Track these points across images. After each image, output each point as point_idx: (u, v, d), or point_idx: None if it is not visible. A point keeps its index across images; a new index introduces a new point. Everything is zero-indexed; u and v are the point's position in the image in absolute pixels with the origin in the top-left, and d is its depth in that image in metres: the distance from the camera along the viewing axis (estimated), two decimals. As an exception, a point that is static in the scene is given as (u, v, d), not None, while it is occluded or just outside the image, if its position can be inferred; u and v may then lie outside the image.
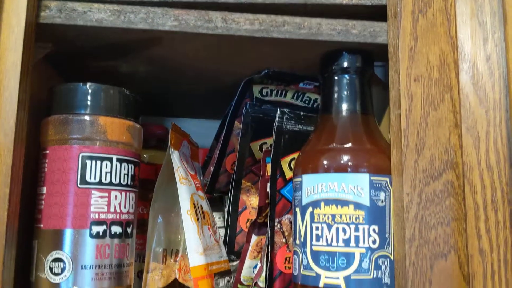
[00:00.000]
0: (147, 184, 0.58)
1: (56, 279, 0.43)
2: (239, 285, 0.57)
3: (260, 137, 0.60)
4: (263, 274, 0.53)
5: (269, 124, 0.55)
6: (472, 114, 0.43)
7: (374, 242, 0.44)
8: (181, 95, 0.71)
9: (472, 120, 0.43)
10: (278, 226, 0.52)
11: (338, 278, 0.43)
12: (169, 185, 0.57)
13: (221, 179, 0.65)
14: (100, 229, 0.45)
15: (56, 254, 0.44)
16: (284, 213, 0.52)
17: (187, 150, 0.62)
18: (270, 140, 0.55)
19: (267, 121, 0.57)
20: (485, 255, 0.41)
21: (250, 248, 0.57)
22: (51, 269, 0.44)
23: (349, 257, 0.43)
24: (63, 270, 0.43)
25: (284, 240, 0.52)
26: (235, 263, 0.60)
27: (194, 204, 0.56)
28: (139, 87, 0.51)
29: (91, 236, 0.44)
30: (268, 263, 0.51)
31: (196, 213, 0.56)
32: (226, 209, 0.65)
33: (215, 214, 0.67)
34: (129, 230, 0.47)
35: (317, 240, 0.45)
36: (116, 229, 0.46)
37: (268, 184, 0.52)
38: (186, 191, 0.55)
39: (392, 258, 0.44)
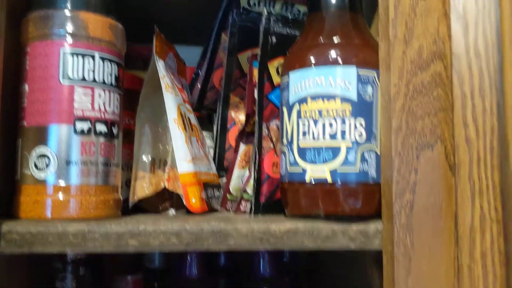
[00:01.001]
0: (133, 95, 0.57)
1: (41, 175, 0.43)
2: (228, 195, 0.57)
3: (247, 48, 0.59)
4: (252, 181, 0.53)
5: (257, 33, 0.54)
6: (462, 3, 0.42)
7: (360, 135, 0.43)
8: (164, 13, 0.69)
9: (461, 9, 0.42)
10: (266, 131, 0.52)
11: (324, 171, 0.43)
12: (155, 96, 0.56)
13: (209, 96, 0.64)
14: (85, 126, 0.44)
15: (41, 150, 0.43)
16: (271, 119, 0.52)
17: (173, 64, 0.61)
18: (258, 51, 0.54)
19: (255, 30, 0.56)
20: (471, 144, 0.41)
21: (238, 158, 0.57)
22: (35, 165, 0.43)
23: (335, 151, 0.43)
24: (48, 165, 0.43)
25: (271, 145, 0.52)
26: (224, 179, 0.60)
27: (181, 114, 0.55)
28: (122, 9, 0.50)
29: (76, 132, 0.44)
30: (256, 166, 0.51)
31: (184, 122, 0.55)
32: (215, 127, 0.65)
33: (204, 133, 0.66)
34: (114, 130, 0.47)
35: (304, 136, 0.44)
36: (101, 127, 0.45)
37: (255, 90, 0.52)
38: (172, 100, 0.54)
39: (378, 152, 0.44)
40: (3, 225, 0.40)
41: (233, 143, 0.62)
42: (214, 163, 0.61)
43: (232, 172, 0.57)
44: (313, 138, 0.44)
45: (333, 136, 0.43)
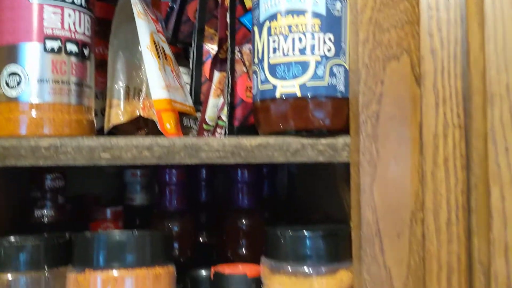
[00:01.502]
0: (107, 24, 0.57)
1: (13, 93, 0.43)
2: (204, 126, 0.58)
3: (221, -24, 0.58)
4: (226, 107, 0.53)
5: (230, -40, 0.54)
6: None
7: (329, 50, 0.44)
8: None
9: None
10: (239, 55, 0.52)
11: (293, 86, 0.44)
12: (128, 25, 0.56)
13: (184, 29, 0.64)
14: (55, 44, 0.44)
15: (11, 68, 0.43)
16: (244, 42, 0.52)
17: (147, -6, 0.61)
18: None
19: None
20: (436, 54, 0.42)
21: (213, 86, 0.57)
22: (7, 83, 0.43)
23: (305, 65, 0.44)
24: (19, 83, 0.43)
25: (244, 69, 0.52)
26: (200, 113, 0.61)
27: (154, 42, 0.55)
28: None
29: (46, 50, 0.44)
30: (229, 90, 0.51)
31: (157, 50, 0.55)
32: (191, 61, 0.65)
33: (181, 70, 0.67)
34: (86, 51, 0.47)
35: (274, 52, 0.45)
36: (72, 47, 0.45)
37: (227, 13, 0.52)
38: (145, 27, 0.54)
39: (347, 67, 0.45)
40: (-25, 139, 0.41)
41: (208, 77, 0.62)
42: (191, 96, 0.62)
43: (207, 102, 0.58)
44: (283, 54, 0.45)
45: (302, 51, 0.44)
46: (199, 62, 0.63)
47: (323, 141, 0.44)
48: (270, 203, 0.73)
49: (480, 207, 0.38)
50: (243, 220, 0.68)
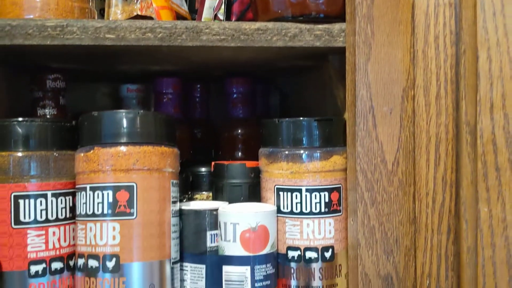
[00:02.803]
0: None
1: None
2: (200, 28, 0.59)
3: None
4: (223, 6, 0.54)
5: None
6: None
7: None
8: None
9: None
10: (236, -50, 0.53)
11: (291, -30, 0.45)
12: None
13: None
14: None
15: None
16: None
17: None
18: None
19: None
20: None
21: (210, -15, 0.58)
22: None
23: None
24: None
25: (241, -35, 0.53)
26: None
27: None
28: None
29: None
30: (226, -16, 0.52)
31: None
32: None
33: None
34: None
35: None
36: None
37: None
38: None
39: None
40: (-18, 17, 0.42)
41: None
42: (186, 3, 0.63)
43: (203, 4, 0.58)
44: None
45: None
46: (195, -30, 0.63)
47: (320, 26, 0.46)
48: (263, 112, 0.75)
49: (468, 72, 0.40)
50: (239, 129, 0.70)
